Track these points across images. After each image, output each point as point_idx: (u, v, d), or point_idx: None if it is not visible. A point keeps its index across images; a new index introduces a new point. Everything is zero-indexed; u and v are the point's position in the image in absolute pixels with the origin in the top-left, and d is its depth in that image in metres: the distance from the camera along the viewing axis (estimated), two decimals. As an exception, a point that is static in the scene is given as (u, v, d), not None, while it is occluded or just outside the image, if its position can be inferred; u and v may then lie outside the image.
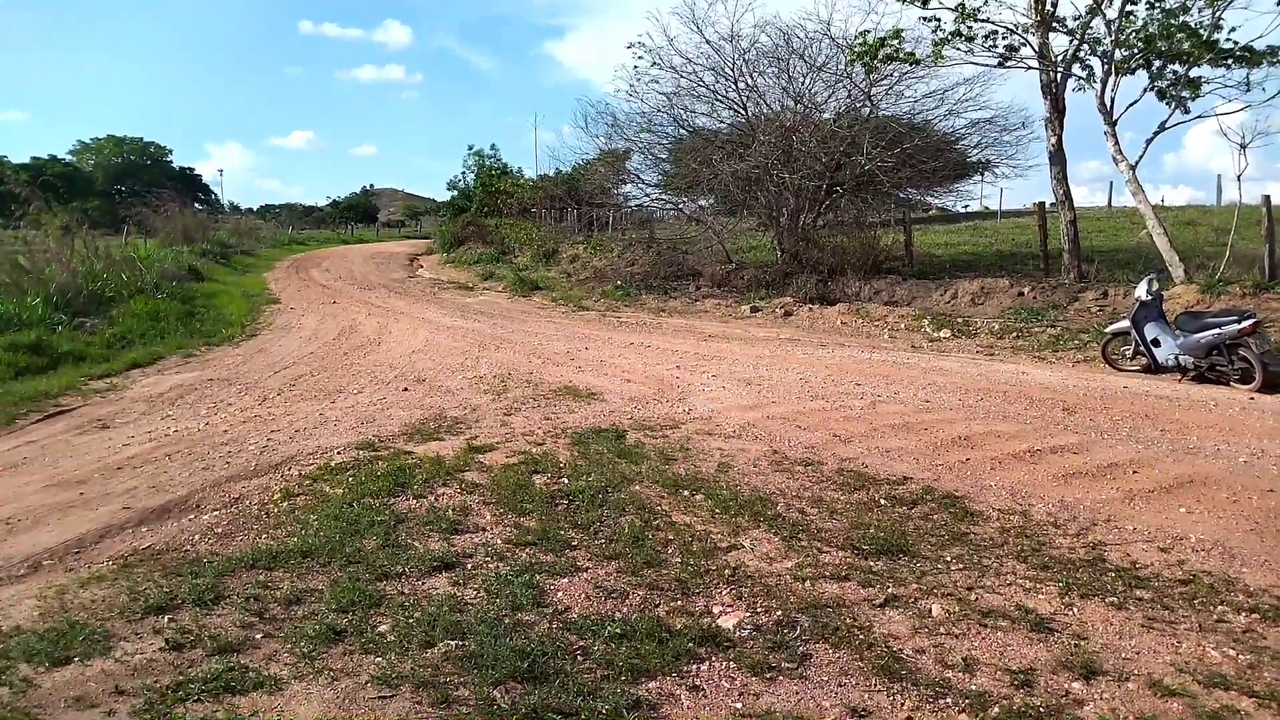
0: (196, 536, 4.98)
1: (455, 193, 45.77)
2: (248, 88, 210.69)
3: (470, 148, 57.43)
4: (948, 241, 21.68)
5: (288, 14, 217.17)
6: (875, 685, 3.32)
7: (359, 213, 76.11)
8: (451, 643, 3.58)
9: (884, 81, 17.50)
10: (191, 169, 74.85)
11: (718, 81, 18.89)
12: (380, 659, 3.48)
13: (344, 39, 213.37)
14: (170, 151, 73.10)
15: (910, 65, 15.89)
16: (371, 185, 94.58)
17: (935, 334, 12.89)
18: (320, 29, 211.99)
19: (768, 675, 3.39)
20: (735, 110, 19.29)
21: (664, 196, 23.64)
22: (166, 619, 3.88)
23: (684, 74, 19.03)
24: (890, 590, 4.11)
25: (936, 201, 26.44)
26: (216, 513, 5.37)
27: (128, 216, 28.12)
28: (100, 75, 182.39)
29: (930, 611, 3.90)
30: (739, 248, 20.85)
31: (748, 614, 3.88)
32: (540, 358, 11.02)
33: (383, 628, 3.75)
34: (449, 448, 6.67)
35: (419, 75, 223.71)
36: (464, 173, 45.02)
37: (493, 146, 56.45)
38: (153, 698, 3.23)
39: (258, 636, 3.71)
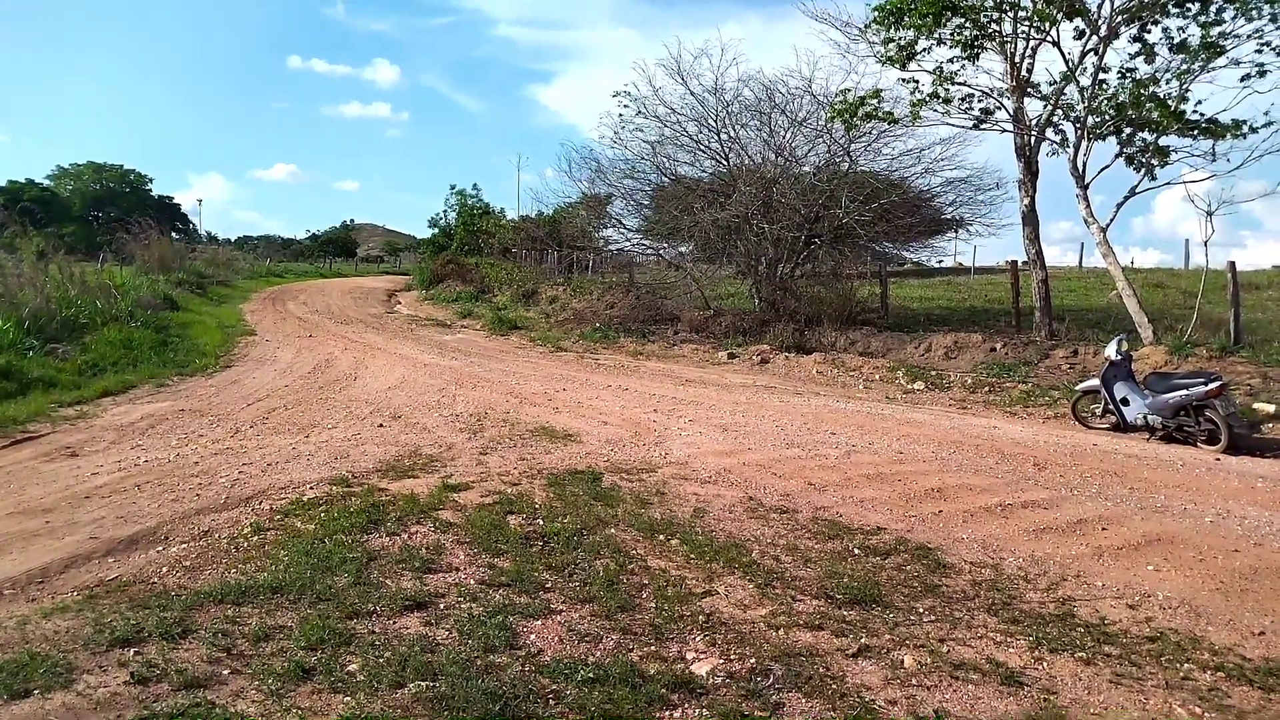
0: (164, 569, 4.90)
1: (436, 230, 45.90)
2: (233, 119, 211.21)
3: (453, 187, 57.86)
4: (922, 295, 22.01)
5: (277, 49, 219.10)
6: (847, 736, 3.32)
7: (338, 247, 75.93)
8: (422, 683, 3.54)
9: (863, 138, 17.89)
10: (170, 198, 74.54)
11: (701, 132, 19.25)
12: (349, 698, 3.43)
13: (332, 75, 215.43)
14: (150, 180, 72.83)
15: (889, 124, 16.27)
16: (352, 220, 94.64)
17: (910, 386, 13.04)
18: (309, 64, 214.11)
19: (740, 723, 3.38)
20: (717, 160, 19.63)
21: (645, 242, 23.89)
22: (132, 652, 3.81)
23: (668, 123, 19.39)
24: (863, 640, 4.12)
25: (912, 256, 26.95)
26: (185, 545, 5.29)
27: (106, 243, 27.85)
28: (83, 100, 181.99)
29: (903, 662, 3.92)
30: (717, 294, 21.04)
31: (721, 661, 3.88)
32: (517, 397, 11.00)
33: (352, 667, 3.70)
34: (424, 485, 6.62)
35: (405, 113, 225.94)
36: (445, 211, 45.26)
37: (475, 186, 56.70)
38: (113, 733, 3.16)
39: (225, 672, 3.65)
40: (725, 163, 19.44)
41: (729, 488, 6.85)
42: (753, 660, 3.88)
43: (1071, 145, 14.37)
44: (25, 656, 3.73)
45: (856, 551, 5.41)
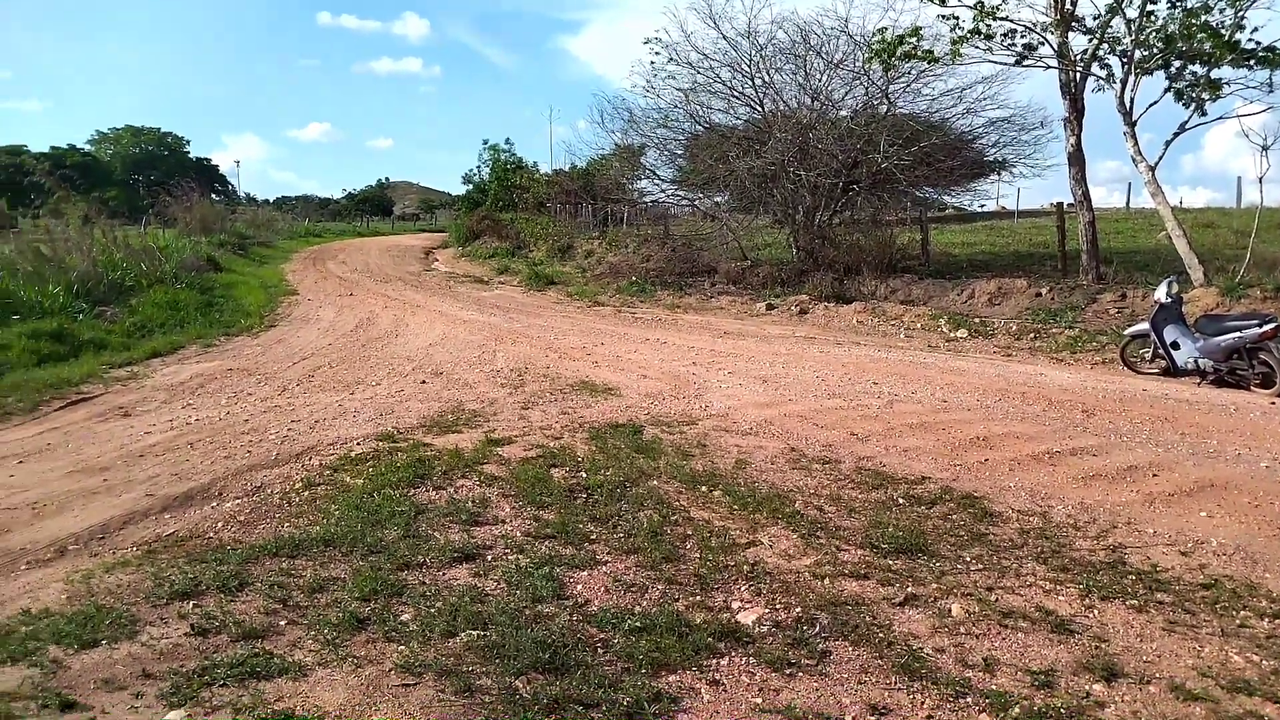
0: (219, 524, 5.03)
1: (470, 186, 45.83)
2: (265, 79, 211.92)
3: (485, 142, 57.51)
4: (964, 241, 21.59)
5: (306, 5, 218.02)
6: (895, 684, 3.32)
7: (374, 205, 76.34)
8: (473, 633, 3.61)
9: (902, 79, 17.42)
10: (208, 159, 75.18)
11: (734, 78, 18.89)
12: (403, 647, 3.51)
13: (362, 31, 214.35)
14: (188, 142, 73.60)
15: (928, 64, 15.78)
16: (387, 178, 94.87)
17: (952, 334, 12.85)
18: (339, 20, 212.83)
19: (787, 671, 3.40)
20: (752, 107, 19.27)
21: (680, 192, 23.64)
22: (191, 604, 3.93)
23: (700, 70, 19.03)
24: (909, 589, 4.11)
25: (953, 200, 26.33)
26: (239, 501, 5.42)
27: (148, 206, 28.28)
28: (118, 65, 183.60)
29: (950, 611, 3.90)
30: (754, 245, 20.83)
31: (767, 610, 3.90)
32: (556, 352, 11.04)
33: (405, 617, 3.79)
34: (467, 440, 6.70)
35: (436, 68, 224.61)
36: (479, 167, 45.06)
37: (508, 140, 56.33)
38: (179, 681, 3.26)
39: (282, 623, 3.75)
40: (760, 109, 19.08)
41: (770, 439, 6.83)
42: (799, 609, 3.90)
43: (1118, 81, 13.84)
44: (92, 609, 3.87)
45: (901, 501, 5.38)
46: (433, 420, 7.38)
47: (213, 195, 54.89)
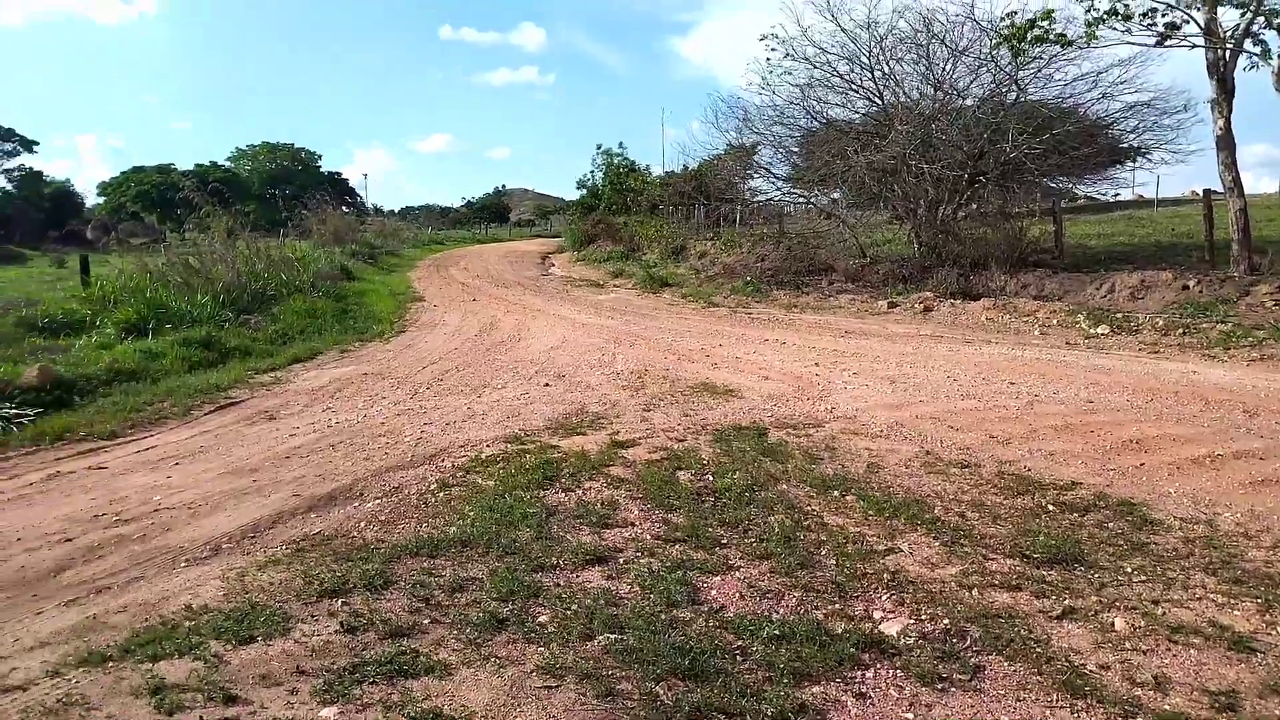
0: (362, 523, 5.21)
1: (584, 191, 46.45)
2: (391, 93, 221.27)
3: (599, 146, 58.15)
4: (1100, 232, 20.42)
5: (429, 19, 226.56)
6: (1057, 701, 3.13)
7: (492, 213, 78.58)
8: (611, 636, 3.61)
9: (1031, 65, 16.59)
10: (339, 173, 78.97)
11: (853, 70, 18.45)
12: (543, 649, 3.54)
13: (481, 43, 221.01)
14: (320, 156, 77.43)
15: (1061, 47, 14.96)
16: (503, 185, 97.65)
17: (1092, 330, 12.14)
18: (459, 34, 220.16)
19: (939, 686, 3.25)
20: (871, 100, 18.78)
21: (795, 190, 23.28)
22: (340, 602, 4.07)
23: (817, 64, 18.67)
24: (1067, 601, 3.87)
25: (1087, 190, 24.93)
26: (379, 501, 5.62)
27: (285, 219, 29.90)
28: (254, 84, 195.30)
29: (1113, 625, 3.65)
30: (873, 241, 20.28)
31: (912, 621, 3.74)
32: (675, 354, 11.03)
33: (543, 618, 3.82)
34: (592, 442, 6.75)
35: (551, 76, 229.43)
36: (592, 171, 45.62)
37: (620, 144, 56.93)
38: (331, 678, 3.37)
39: (425, 622, 3.84)
40: (879, 101, 18.57)
41: (902, 441, 6.60)
42: (946, 621, 3.73)
43: (1275, 57, 12.77)
44: (247, 606, 4.05)
45: (1050, 508, 5.09)
46: (558, 422, 7.48)
47: (344, 207, 57.73)
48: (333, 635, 3.75)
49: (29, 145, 61.95)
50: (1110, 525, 4.80)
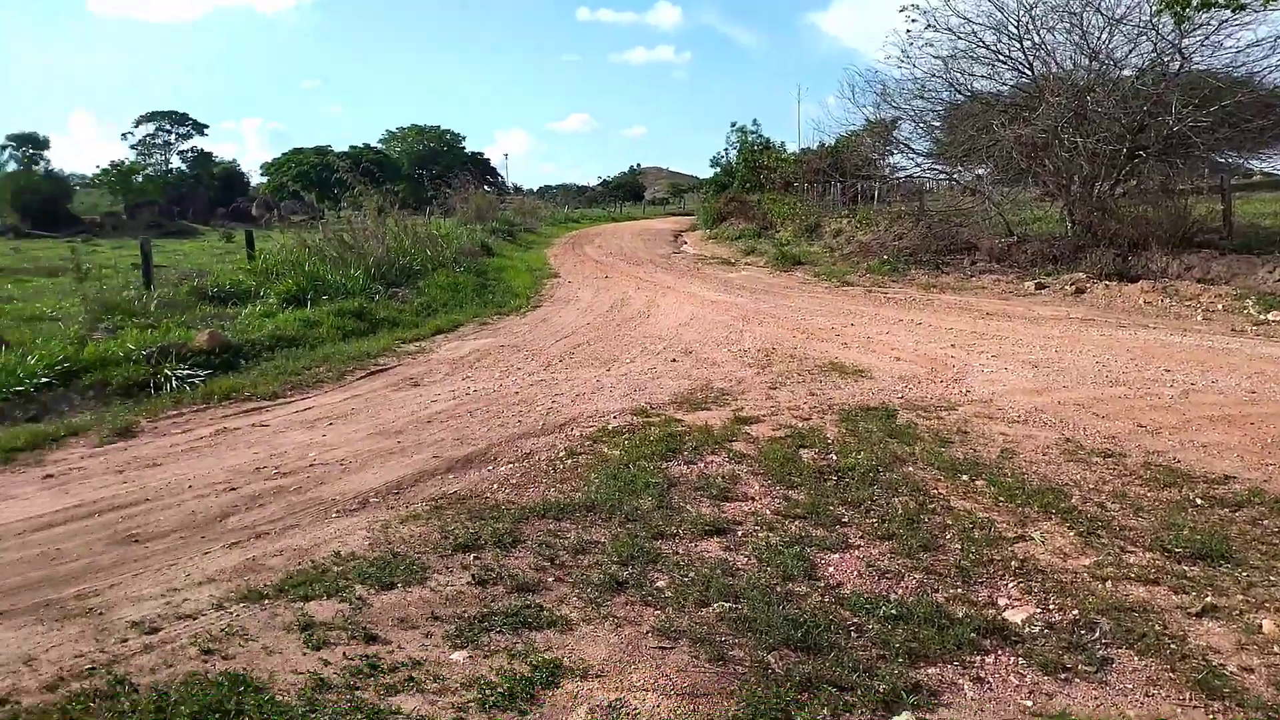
0: (495, 486, 5.48)
1: (718, 169, 46.20)
2: (531, 75, 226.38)
3: (733, 124, 57.63)
4: (1275, 211, 18.66)
5: (567, 2, 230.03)
6: (1190, 700, 2.98)
7: (627, 191, 79.45)
8: (725, 604, 3.68)
9: (1197, 31, 15.23)
10: (481, 153, 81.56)
11: (999, 41, 17.47)
12: (659, 612, 3.66)
13: (618, 23, 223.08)
14: (464, 138, 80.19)
15: (1232, 11, 13.70)
16: (638, 164, 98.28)
17: (1262, 316, 11.18)
18: (596, 15, 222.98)
19: (1062, 676, 3.15)
20: (1019, 71, 17.77)
21: (936, 166, 22.34)
22: (472, 557, 4.32)
23: (961, 35, 17.77)
24: (1209, 599, 3.65)
25: (1261, 165, 22.76)
26: (510, 465, 5.88)
27: (431, 197, 31.22)
28: (401, 69, 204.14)
29: (1260, 627, 3.43)
30: (1020, 220, 19.26)
31: (1038, 610, 3.63)
32: (804, 333, 10.91)
33: (660, 583, 3.93)
34: (716, 418, 6.81)
35: (687, 54, 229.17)
36: (726, 149, 45.24)
37: (755, 121, 56.23)
38: (462, 625, 3.61)
39: (550, 580, 4.03)
40: (1029, 73, 17.55)
41: (1041, 428, 6.33)
42: (1075, 612, 3.59)
43: None
44: (389, 555, 4.36)
45: (1199, 502, 4.79)
46: (683, 397, 7.57)
47: (485, 186, 59.66)
48: (464, 586, 3.99)
49: (200, 128, 67.19)
50: (1265, 522, 4.47)
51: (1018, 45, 17.28)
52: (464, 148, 79.02)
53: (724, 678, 3.16)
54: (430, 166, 69.45)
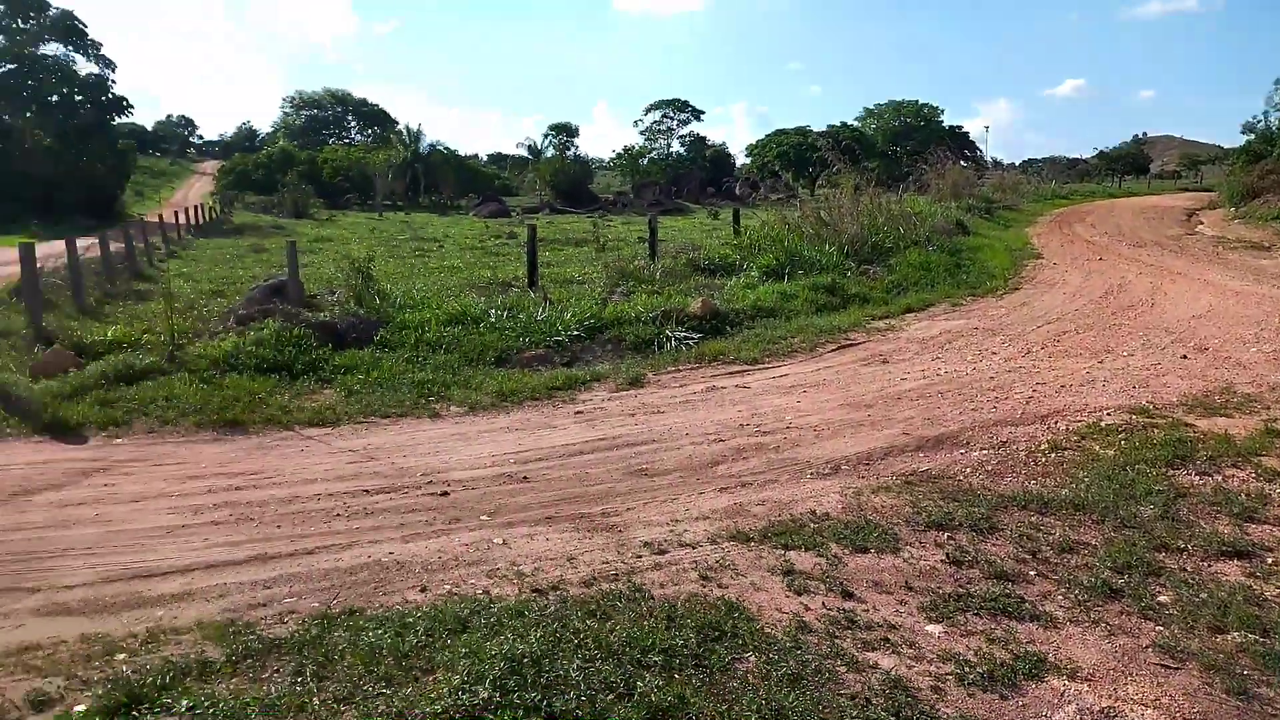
0: (968, 469, 5.38)
1: (1251, 136, 38.31)
2: (1019, 40, 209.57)
3: (1277, 80, 47.27)
4: None
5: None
6: None
7: (1127, 164, 69.83)
8: (1250, 635, 3.23)
9: None
10: (959, 127, 77.64)
11: None
12: (1162, 629, 3.34)
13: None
14: (942, 111, 77.01)
15: None
16: (1144, 133, 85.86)
17: None
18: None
19: None
20: None
21: None
22: (945, 535, 4.33)
23: None
24: None
25: None
26: (985, 451, 5.71)
27: (907, 173, 30.76)
28: (881, 46, 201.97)
29: None
30: None
31: None
32: (1375, 335, 8.76)
33: (1163, 598, 3.58)
34: (1239, 426, 5.87)
35: (1219, 1, 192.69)
36: (1266, 112, 37.31)
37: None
38: (936, 600, 3.66)
39: (1031, 573, 3.89)
40: None
41: None
42: None
43: None
44: (862, 521, 4.56)
45: None
46: (1195, 399, 6.63)
47: (962, 161, 56.96)
48: (938, 563, 4.03)
49: (698, 114, 73.85)
50: None
51: None
52: (941, 121, 76.02)
53: (1245, 714, 2.80)
54: (905, 142, 68.14)
